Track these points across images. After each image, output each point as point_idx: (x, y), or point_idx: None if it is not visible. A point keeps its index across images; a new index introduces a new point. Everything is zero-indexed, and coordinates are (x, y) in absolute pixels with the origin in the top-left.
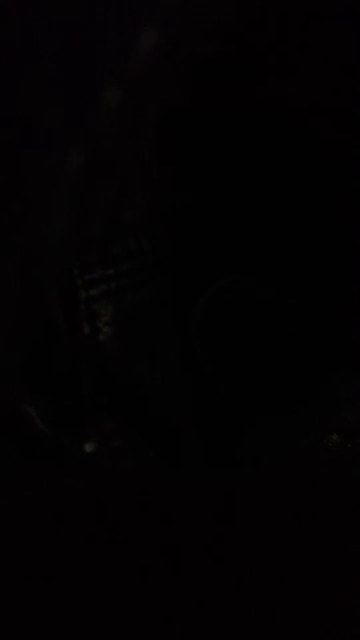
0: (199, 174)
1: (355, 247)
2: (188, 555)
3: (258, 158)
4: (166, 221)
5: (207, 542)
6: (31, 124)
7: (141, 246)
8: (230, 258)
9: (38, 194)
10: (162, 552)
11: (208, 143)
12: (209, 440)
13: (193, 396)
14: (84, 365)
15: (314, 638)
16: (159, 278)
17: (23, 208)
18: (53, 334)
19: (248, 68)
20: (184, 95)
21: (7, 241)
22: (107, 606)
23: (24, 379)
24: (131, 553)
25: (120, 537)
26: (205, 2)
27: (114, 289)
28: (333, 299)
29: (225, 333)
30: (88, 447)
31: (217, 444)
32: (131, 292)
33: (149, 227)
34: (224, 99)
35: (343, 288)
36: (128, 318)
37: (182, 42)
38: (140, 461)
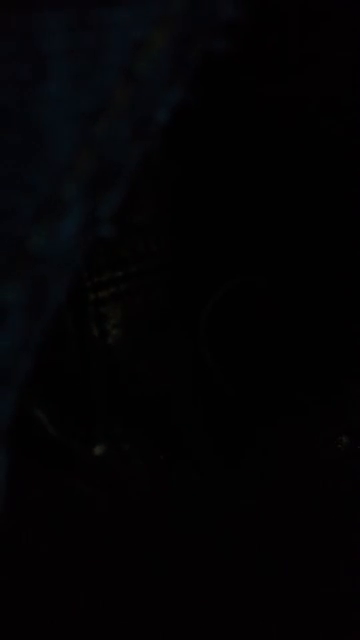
0: (207, 174)
1: None
2: (193, 557)
3: (265, 158)
4: (174, 223)
5: (214, 544)
6: (41, 127)
7: (150, 249)
8: (239, 259)
9: (48, 197)
10: (168, 554)
11: (215, 143)
12: (219, 442)
13: (202, 398)
14: (93, 368)
15: None
16: (167, 280)
17: (34, 211)
18: (62, 337)
19: (253, 68)
20: (192, 95)
21: (18, 244)
22: (110, 608)
23: (33, 382)
24: (137, 556)
25: (127, 540)
26: (213, 2)
27: (123, 291)
28: (343, 300)
29: (234, 335)
30: (97, 450)
31: (227, 446)
32: (139, 294)
33: (157, 229)
34: (231, 98)
35: (353, 289)
36: (137, 320)
37: (191, 42)
38: (150, 464)
